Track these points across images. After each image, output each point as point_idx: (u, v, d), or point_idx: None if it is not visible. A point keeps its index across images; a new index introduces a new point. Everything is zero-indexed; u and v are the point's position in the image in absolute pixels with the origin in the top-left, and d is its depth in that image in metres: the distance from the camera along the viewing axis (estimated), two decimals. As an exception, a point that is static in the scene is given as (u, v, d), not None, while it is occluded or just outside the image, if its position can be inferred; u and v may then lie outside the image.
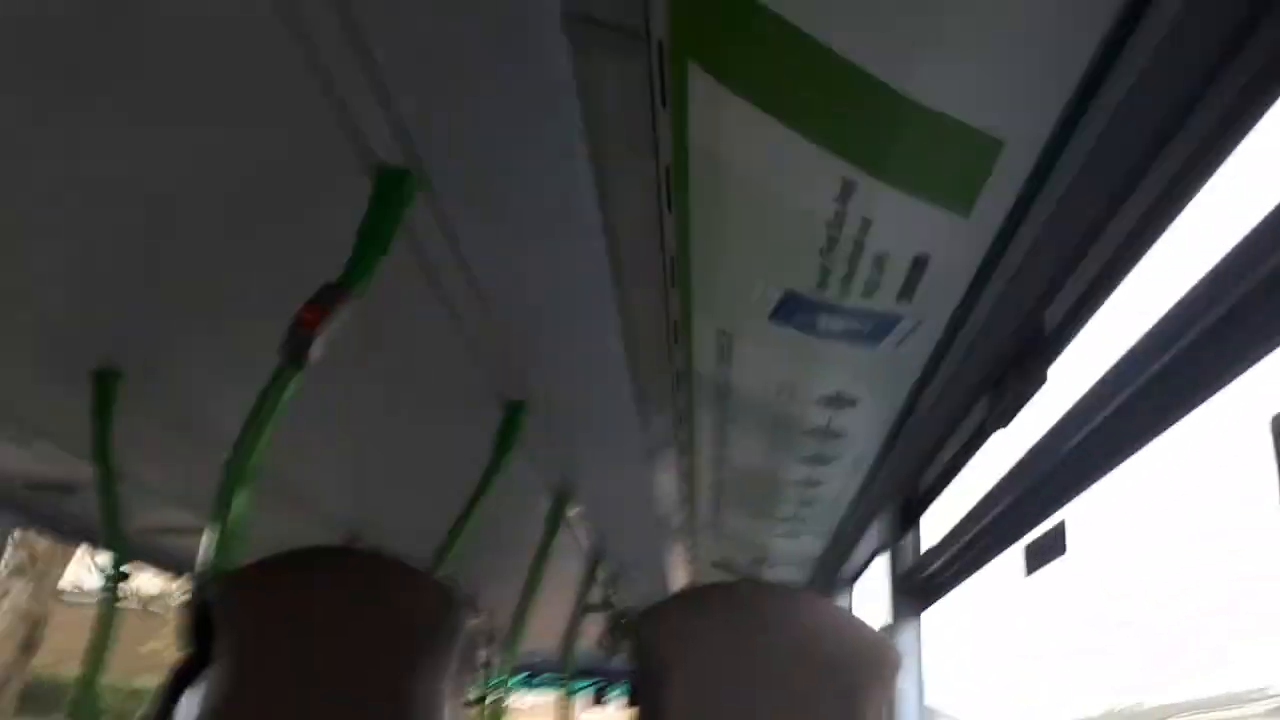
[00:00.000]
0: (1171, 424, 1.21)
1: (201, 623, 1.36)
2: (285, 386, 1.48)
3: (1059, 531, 1.45)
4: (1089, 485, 1.38)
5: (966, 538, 1.80)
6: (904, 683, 2.12)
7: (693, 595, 1.42)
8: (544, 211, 1.58)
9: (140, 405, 2.38)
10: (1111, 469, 1.31)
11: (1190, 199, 1.08)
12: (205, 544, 1.42)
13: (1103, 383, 1.32)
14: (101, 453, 2.37)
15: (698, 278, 1.66)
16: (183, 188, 1.59)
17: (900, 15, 1.02)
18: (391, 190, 1.49)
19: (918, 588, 2.18)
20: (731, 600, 1.35)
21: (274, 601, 1.35)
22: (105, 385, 2.30)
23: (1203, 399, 1.11)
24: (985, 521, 1.71)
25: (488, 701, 5.38)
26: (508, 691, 3.76)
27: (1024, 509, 1.57)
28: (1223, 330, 1.05)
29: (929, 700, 2.07)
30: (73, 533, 3.40)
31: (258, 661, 1.31)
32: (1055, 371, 1.48)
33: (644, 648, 1.28)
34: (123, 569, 2.73)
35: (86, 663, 2.53)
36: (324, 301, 1.50)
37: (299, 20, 1.19)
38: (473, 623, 1.34)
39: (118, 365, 2.29)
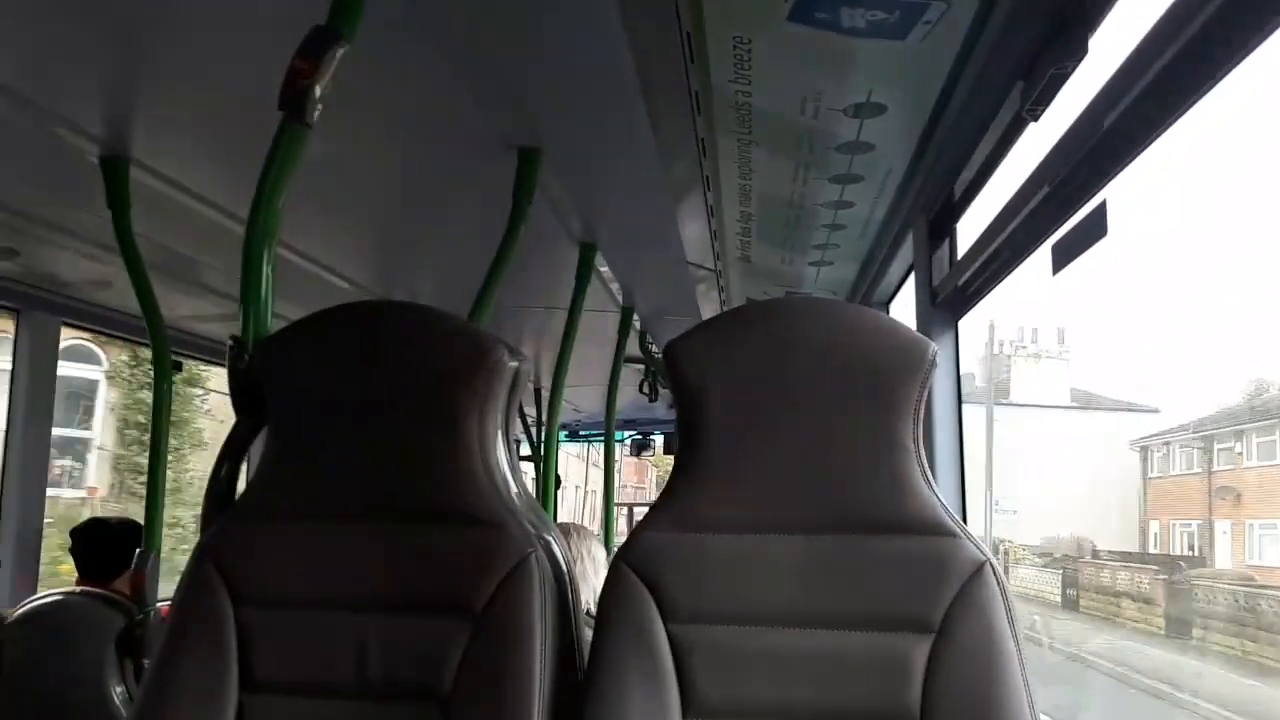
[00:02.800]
0: (1221, 77, 1.13)
1: (250, 386, 1.39)
2: (291, 144, 1.43)
3: (1099, 213, 1.41)
4: (1132, 159, 1.32)
5: (1001, 237, 1.76)
6: (940, 385, 2.16)
7: (723, 317, 1.41)
8: None
9: (153, 189, 2.35)
10: (1157, 135, 1.25)
11: None
12: (241, 313, 1.42)
13: (1142, 47, 1.23)
14: (125, 241, 2.36)
15: (709, -20, 1.54)
16: None
17: None
18: None
19: (952, 298, 2.18)
20: (762, 315, 1.34)
21: (317, 355, 1.37)
22: (114, 172, 2.26)
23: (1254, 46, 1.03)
24: (1021, 216, 1.66)
25: (539, 456, 5.64)
26: (557, 446, 3.91)
27: (1062, 195, 1.52)
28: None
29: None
30: (117, 327, 3.47)
31: (309, 415, 1.35)
32: (1096, 44, 1.39)
33: (679, 372, 1.29)
34: (173, 359, 2.81)
35: (150, 454, 2.65)
36: (314, 48, 1.42)
37: None
38: (514, 364, 1.35)
39: (121, 151, 2.23)
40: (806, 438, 1.24)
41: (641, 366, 4.95)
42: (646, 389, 4.92)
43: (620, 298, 3.70)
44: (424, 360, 1.34)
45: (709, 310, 4.07)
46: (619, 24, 1.67)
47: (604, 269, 3.22)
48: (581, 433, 7.10)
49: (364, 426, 1.34)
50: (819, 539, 1.21)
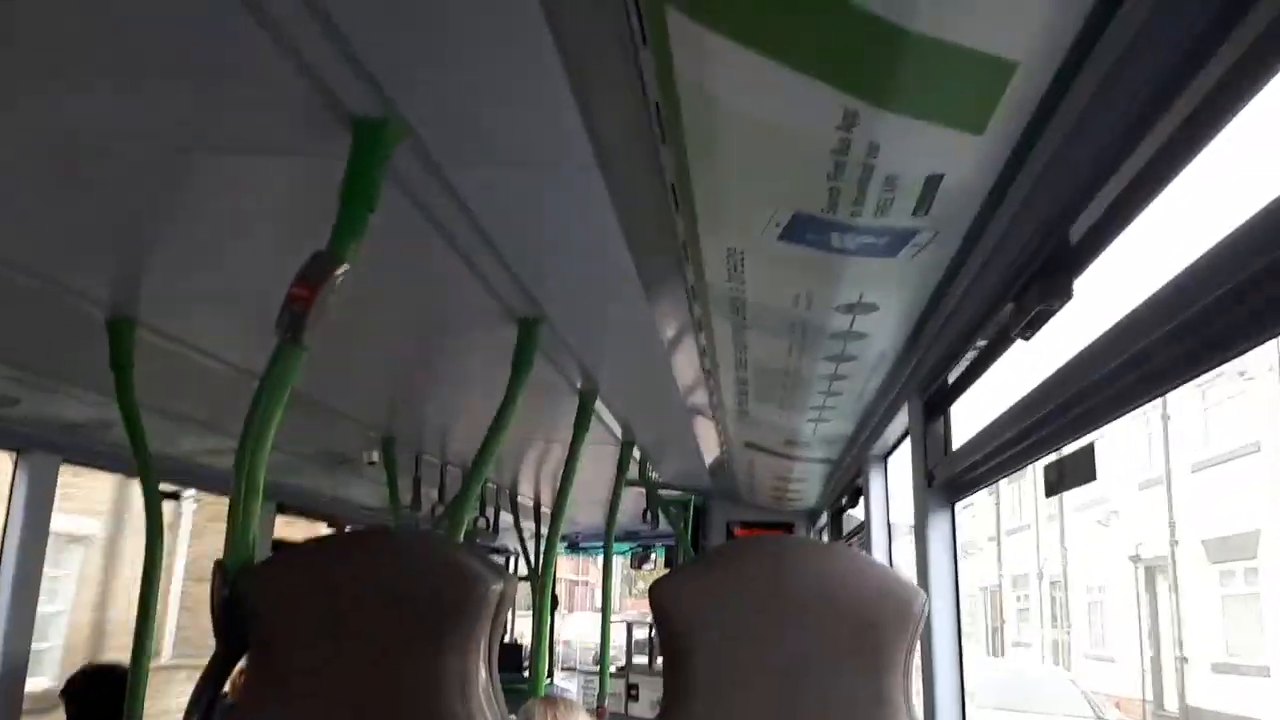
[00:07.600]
0: (1207, 369, 1.14)
1: (233, 615, 1.38)
2: (287, 364, 1.44)
3: (1088, 454, 1.42)
4: (1121, 414, 1.33)
5: (994, 444, 1.76)
6: (937, 610, 2.11)
7: (712, 557, 1.41)
8: (534, 149, 1.50)
9: (158, 350, 2.39)
10: (1148, 399, 1.26)
11: (1217, 129, 0.99)
12: (226, 539, 1.42)
13: (1130, 322, 1.25)
14: (125, 399, 2.38)
15: (702, 203, 1.58)
16: (164, 154, 1.53)
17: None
18: (371, 142, 1.41)
19: (947, 484, 2.17)
20: (750, 558, 1.34)
21: (302, 589, 1.37)
22: (120, 334, 2.30)
23: (1246, 345, 1.04)
24: (1012, 432, 1.67)
25: (535, 576, 5.58)
26: (555, 568, 3.88)
27: (1051, 428, 1.52)
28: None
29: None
30: (113, 463, 3.45)
31: (291, 650, 1.34)
32: (1082, 286, 1.41)
33: (666, 616, 1.29)
34: (164, 489, 2.80)
35: (143, 583, 2.62)
36: (314, 274, 1.43)
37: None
38: (499, 587, 1.35)
39: (129, 315, 2.28)
40: (792, 692, 1.22)
41: (643, 490, 4.94)
42: (648, 517, 4.90)
43: (620, 434, 3.72)
44: (407, 597, 1.33)
45: (709, 444, 4.07)
46: (618, 230, 1.71)
47: (602, 411, 3.25)
48: (581, 545, 7.03)
49: (345, 659, 1.33)
50: None
